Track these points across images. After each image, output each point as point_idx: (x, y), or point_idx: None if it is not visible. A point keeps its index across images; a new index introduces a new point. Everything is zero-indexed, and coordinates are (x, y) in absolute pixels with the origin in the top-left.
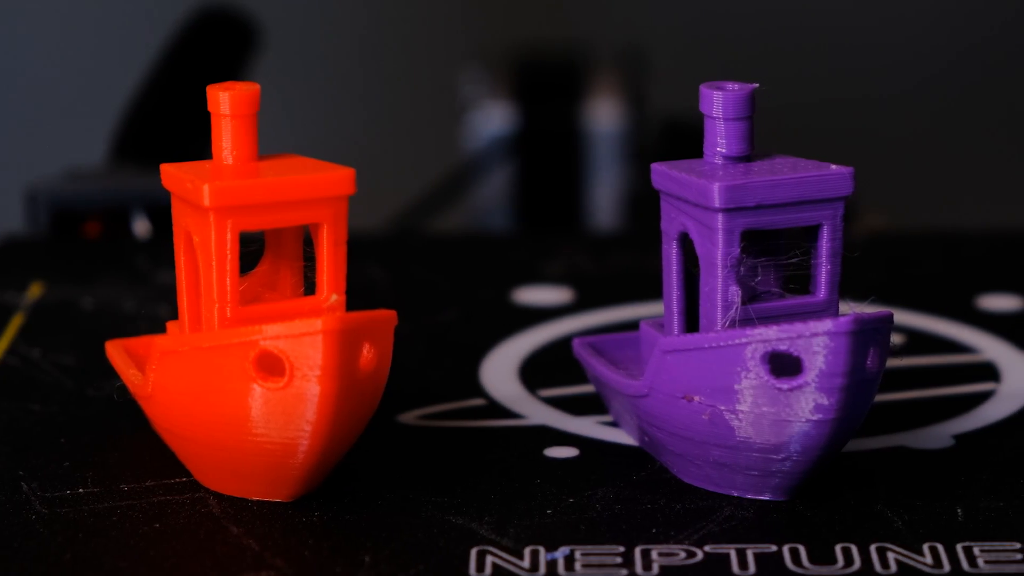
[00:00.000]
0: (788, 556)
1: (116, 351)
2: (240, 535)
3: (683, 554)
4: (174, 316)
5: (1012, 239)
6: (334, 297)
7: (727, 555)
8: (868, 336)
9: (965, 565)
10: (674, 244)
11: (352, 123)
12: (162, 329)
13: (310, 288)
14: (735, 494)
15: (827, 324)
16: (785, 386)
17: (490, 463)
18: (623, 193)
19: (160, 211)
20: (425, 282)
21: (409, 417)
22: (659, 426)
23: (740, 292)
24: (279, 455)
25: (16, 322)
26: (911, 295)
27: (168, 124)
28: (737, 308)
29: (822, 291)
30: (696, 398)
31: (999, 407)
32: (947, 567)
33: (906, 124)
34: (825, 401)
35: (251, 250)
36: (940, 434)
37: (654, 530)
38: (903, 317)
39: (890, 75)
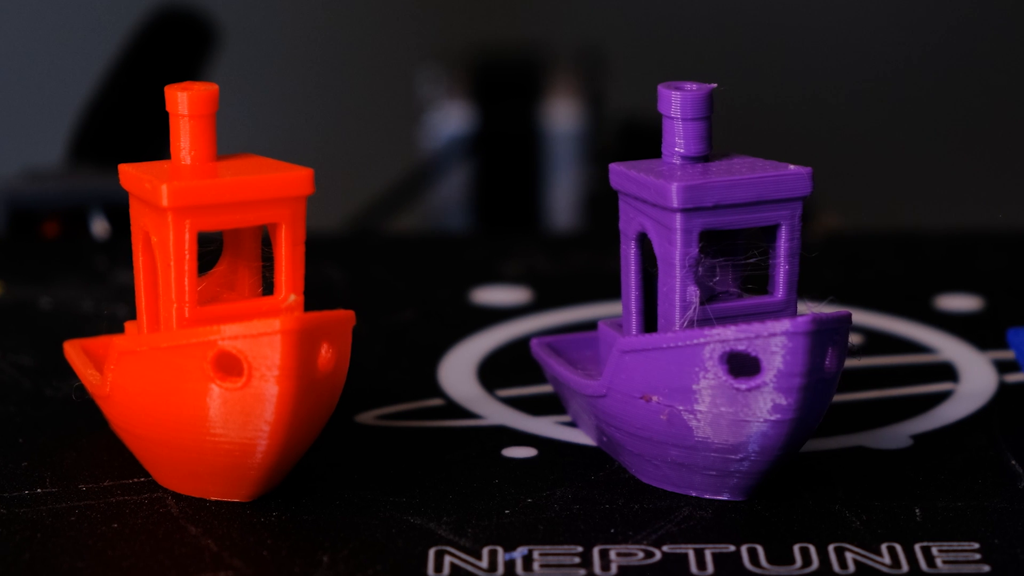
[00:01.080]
0: (746, 556)
1: (74, 351)
2: (198, 535)
3: (641, 554)
4: (132, 316)
5: (970, 239)
6: (292, 297)
7: (685, 555)
8: (826, 336)
9: (923, 565)
10: (632, 244)
11: (310, 123)
12: (120, 329)
13: (268, 288)
14: (693, 494)
15: (785, 324)
16: (743, 386)
17: (448, 463)
18: (581, 193)
19: (118, 211)
20: (383, 282)
21: (367, 417)
22: (617, 426)
23: (698, 292)
24: (237, 455)
25: None
26: (869, 295)
27: (126, 124)
28: (695, 308)
29: (780, 291)
30: (654, 398)
31: (957, 407)
32: (905, 567)
33: (863, 124)
34: (783, 401)
35: (209, 250)
36: (898, 434)
37: (612, 530)
38: (861, 317)
39: (847, 75)
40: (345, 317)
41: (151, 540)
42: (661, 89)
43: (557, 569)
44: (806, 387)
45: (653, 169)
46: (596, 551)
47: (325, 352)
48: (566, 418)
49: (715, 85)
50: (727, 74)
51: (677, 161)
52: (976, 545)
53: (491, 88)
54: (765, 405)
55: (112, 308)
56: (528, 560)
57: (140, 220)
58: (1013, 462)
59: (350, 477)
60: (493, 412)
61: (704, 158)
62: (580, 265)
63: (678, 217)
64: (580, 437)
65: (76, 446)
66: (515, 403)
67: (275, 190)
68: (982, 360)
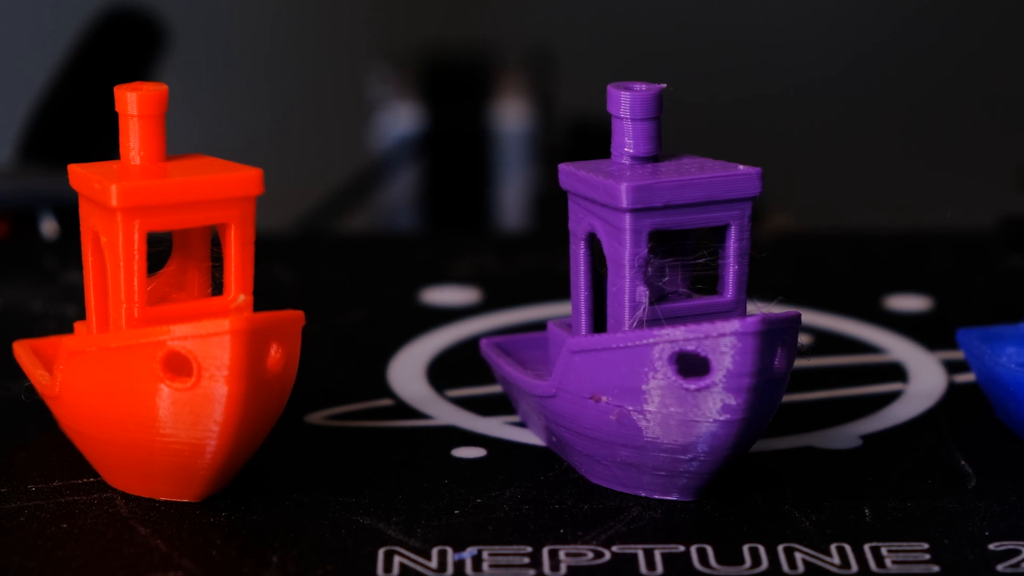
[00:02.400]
0: (696, 556)
1: (23, 351)
2: (148, 535)
3: (591, 554)
4: (82, 316)
5: (919, 239)
6: (242, 297)
7: (635, 555)
8: (775, 336)
9: (873, 565)
10: (582, 244)
11: (259, 123)
12: (70, 329)
13: (218, 288)
14: (643, 494)
15: (734, 324)
16: (692, 386)
17: (398, 463)
18: (530, 193)
19: (68, 211)
20: (332, 282)
21: (316, 417)
22: (567, 426)
23: (648, 292)
24: (187, 455)
25: None
26: (818, 295)
27: (75, 124)
28: (645, 308)
29: (729, 291)
30: (604, 398)
31: (907, 407)
32: (855, 567)
33: (813, 125)
34: (732, 401)
35: (159, 250)
36: (848, 434)
37: (562, 530)
38: (811, 317)
39: (797, 76)
40: (294, 317)
41: (101, 540)
42: (610, 89)
43: (507, 569)
44: (755, 387)
45: (602, 169)
46: (546, 551)
47: (274, 352)
48: (516, 418)
49: (664, 85)
50: (677, 74)
51: (626, 161)
52: (925, 545)
53: (440, 88)
54: (714, 405)
55: (61, 308)
56: (478, 560)
57: (89, 220)
58: (963, 462)
59: (299, 477)
60: (442, 412)
61: (653, 158)
62: (529, 265)
63: (627, 217)
64: (530, 437)
65: (26, 446)
66: (464, 403)
67: (224, 190)
68: (932, 360)
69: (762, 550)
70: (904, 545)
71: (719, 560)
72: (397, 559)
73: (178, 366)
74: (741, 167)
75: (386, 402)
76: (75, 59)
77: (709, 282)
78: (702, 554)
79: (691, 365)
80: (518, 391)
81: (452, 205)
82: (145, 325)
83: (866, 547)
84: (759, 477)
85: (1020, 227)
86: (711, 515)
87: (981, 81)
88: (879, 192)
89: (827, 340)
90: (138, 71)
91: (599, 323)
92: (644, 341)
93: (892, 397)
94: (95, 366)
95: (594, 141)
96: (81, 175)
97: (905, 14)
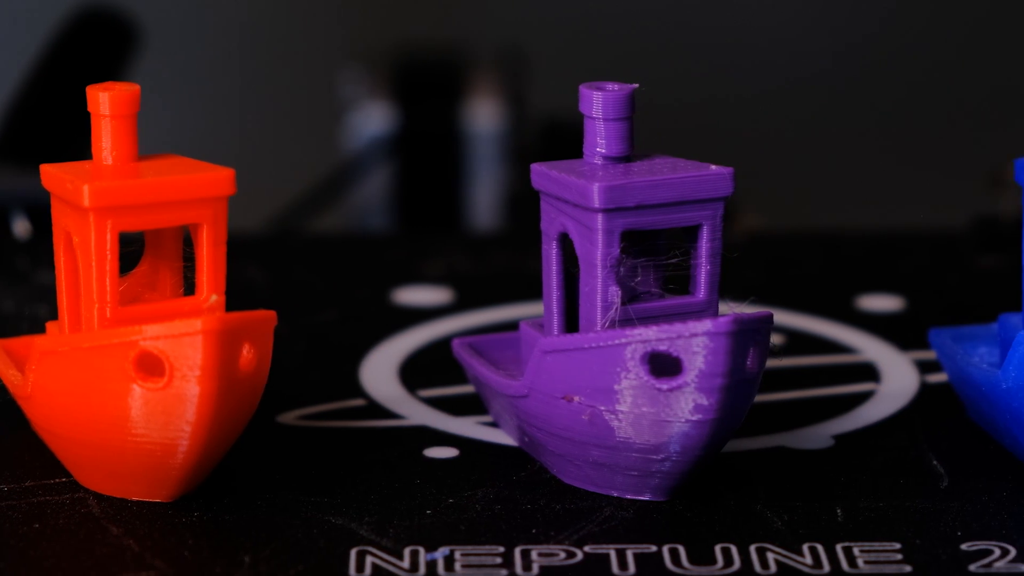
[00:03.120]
0: (668, 556)
1: None
2: (120, 535)
3: (563, 554)
4: (54, 316)
5: (891, 239)
6: (214, 297)
7: (607, 555)
8: (748, 336)
9: (845, 565)
10: (554, 244)
11: (231, 123)
12: (42, 329)
13: (190, 288)
14: (615, 494)
15: (706, 324)
16: (665, 386)
17: (370, 463)
18: (503, 193)
19: (40, 211)
20: (304, 282)
21: (289, 417)
22: (539, 426)
23: (620, 292)
24: (159, 455)
25: None
26: (791, 295)
27: (48, 124)
28: (617, 308)
29: (702, 291)
30: (576, 398)
31: (879, 407)
32: (827, 567)
33: (785, 124)
34: (705, 401)
35: (131, 250)
36: (820, 434)
37: (534, 530)
38: (783, 317)
39: (768, 75)
40: (266, 317)
41: (73, 540)
42: (583, 89)
43: (479, 569)
44: (727, 387)
45: (575, 169)
46: (518, 551)
47: (247, 352)
48: (488, 418)
49: (637, 85)
50: (649, 74)
51: (599, 161)
52: (898, 545)
53: (412, 88)
54: (687, 405)
55: (33, 308)
56: (450, 560)
57: (62, 220)
58: (935, 462)
59: (272, 477)
60: (415, 412)
61: (626, 158)
62: (501, 265)
63: (600, 217)
64: (502, 437)
65: None
66: (437, 403)
67: (197, 190)
68: (904, 360)
69: (734, 550)
70: (876, 545)
71: (691, 560)
72: (369, 559)
73: (150, 366)
74: (713, 167)
75: (358, 402)
76: (47, 59)
77: (681, 282)
78: (674, 554)
79: (663, 365)
80: (490, 391)
81: (424, 205)
82: (117, 325)
83: (838, 547)
84: (731, 477)
85: (992, 227)
86: (683, 515)
87: (953, 81)
88: (851, 192)
89: (799, 340)
90: (110, 71)
91: (571, 323)
92: (616, 341)
93: (864, 397)
94: (67, 366)
95: (566, 141)
96: (53, 175)
97: (879, 14)
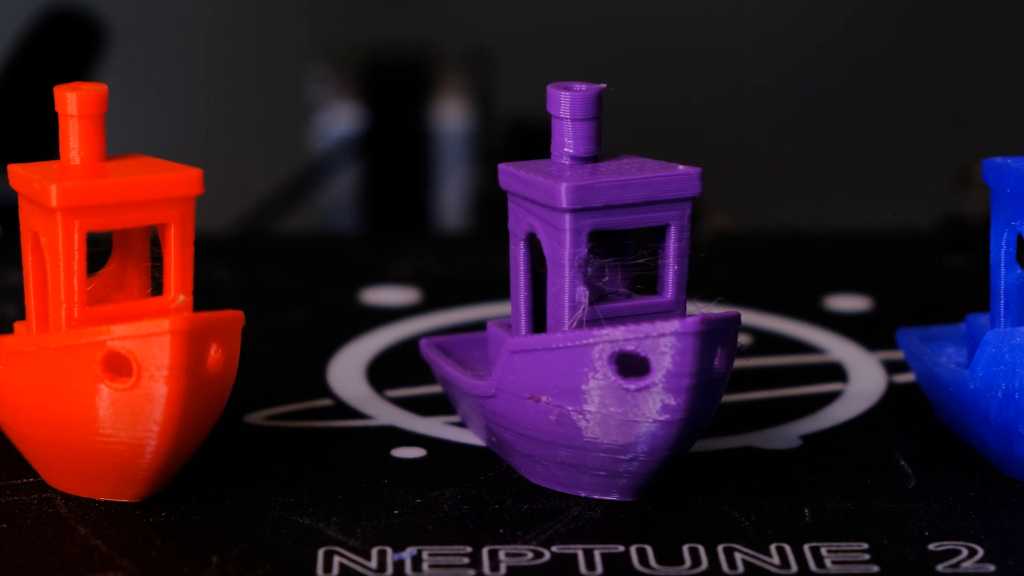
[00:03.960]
0: (635, 556)
1: None
2: (88, 535)
3: (530, 554)
4: (22, 316)
5: (859, 239)
6: (181, 297)
7: (574, 555)
8: (715, 336)
9: (812, 565)
10: (521, 244)
11: (199, 123)
12: (9, 329)
13: (158, 288)
14: (582, 494)
15: (674, 324)
16: (632, 386)
17: (337, 463)
18: (470, 193)
19: (7, 211)
20: (272, 282)
21: (256, 417)
22: (506, 427)
23: (587, 292)
24: (127, 455)
25: None
26: (758, 295)
27: (15, 124)
28: (584, 308)
29: (669, 291)
30: (543, 399)
31: (846, 407)
32: (794, 567)
33: (753, 124)
34: (672, 401)
35: (98, 250)
36: (788, 434)
37: (501, 530)
38: (750, 317)
39: (736, 75)
40: (234, 317)
41: (40, 540)
42: (550, 89)
43: (446, 569)
44: (695, 387)
45: (542, 169)
46: (485, 551)
47: (214, 352)
48: (455, 418)
49: (604, 85)
50: (617, 74)
51: (566, 161)
52: (865, 545)
53: (380, 88)
54: (654, 405)
55: (1, 309)
56: (417, 560)
57: (29, 220)
58: (902, 462)
59: (239, 477)
60: (382, 412)
61: (593, 158)
62: (469, 265)
63: (567, 217)
64: (469, 437)
65: None
66: (404, 403)
67: (164, 190)
68: (871, 360)
69: (702, 550)
70: (844, 545)
71: (659, 560)
72: (337, 559)
73: (118, 366)
74: (681, 167)
75: (326, 402)
76: (14, 59)
77: (649, 282)
78: (642, 554)
79: (631, 365)
80: (458, 391)
81: (392, 205)
82: (85, 325)
83: (806, 547)
84: (699, 477)
85: (960, 227)
86: (651, 515)
87: (921, 81)
88: (819, 192)
89: (767, 340)
90: (78, 71)
91: (539, 323)
92: (584, 341)
93: (832, 397)
94: (35, 366)
95: (534, 141)
96: (21, 175)
97: (845, 15)
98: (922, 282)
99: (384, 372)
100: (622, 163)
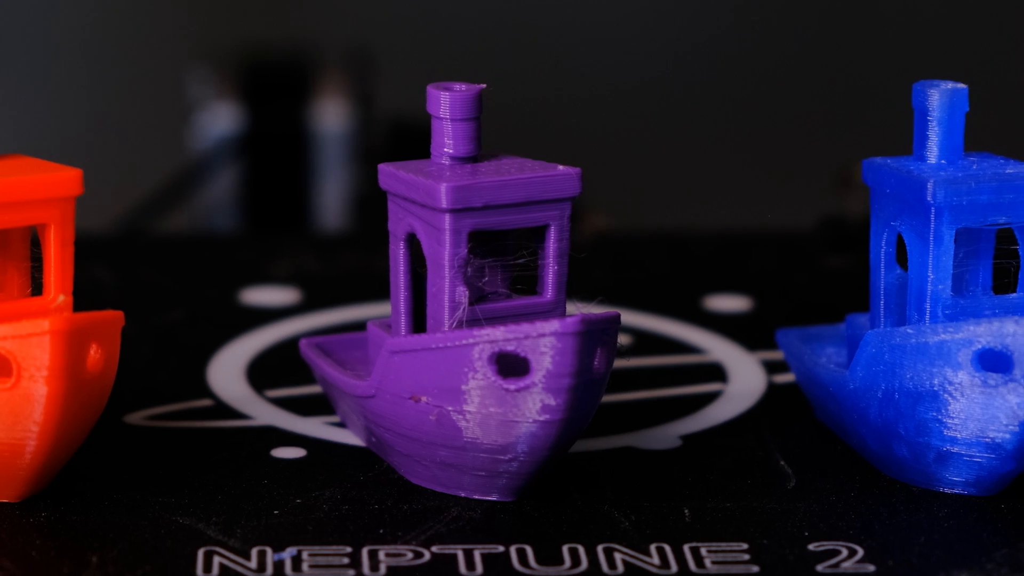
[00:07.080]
0: (515, 557)
1: None
2: None
3: (410, 555)
4: None
5: (738, 240)
6: (61, 298)
7: (454, 555)
8: (595, 336)
9: (692, 565)
10: (401, 244)
11: (78, 123)
12: None
13: (37, 289)
14: (462, 495)
15: (554, 325)
16: (512, 387)
17: (217, 464)
18: (350, 193)
19: None
20: (151, 283)
21: (136, 418)
22: (386, 427)
23: (467, 293)
24: (6, 456)
25: None
26: (638, 296)
27: None
28: (464, 309)
29: (549, 292)
30: (423, 399)
31: (726, 408)
32: (674, 567)
33: (632, 124)
34: (552, 401)
35: None
36: (667, 434)
37: (381, 531)
38: (630, 318)
39: (615, 75)
40: (114, 318)
41: None
42: (430, 89)
43: (326, 570)
44: (575, 387)
45: (422, 169)
46: (365, 551)
47: (94, 353)
48: (335, 419)
49: (484, 86)
50: (496, 75)
51: (446, 162)
52: (745, 545)
53: (260, 89)
54: (534, 405)
55: None
56: (297, 560)
57: None
58: (782, 463)
59: (119, 477)
60: (262, 412)
61: (473, 159)
62: (349, 265)
63: (447, 218)
64: (349, 438)
65: None
66: (284, 404)
67: (43, 191)
68: (751, 360)
69: (582, 550)
70: (724, 545)
71: (539, 560)
72: (217, 559)
73: None
74: (560, 167)
75: (206, 402)
76: None
77: (529, 282)
78: (522, 554)
79: (511, 365)
80: (338, 391)
81: (272, 205)
82: None
83: (686, 547)
84: (579, 477)
85: (840, 227)
86: (531, 515)
87: (800, 81)
88: (699, 192)
89: (647, 340)
90: None
91: (419, 323)
92: (464, 341)
93: (712, 397)
94: None
95: (414, 141)
96: None
97: (724, 13)
98: (802, 282)
99: (264, 372)
100: (502, 163)
